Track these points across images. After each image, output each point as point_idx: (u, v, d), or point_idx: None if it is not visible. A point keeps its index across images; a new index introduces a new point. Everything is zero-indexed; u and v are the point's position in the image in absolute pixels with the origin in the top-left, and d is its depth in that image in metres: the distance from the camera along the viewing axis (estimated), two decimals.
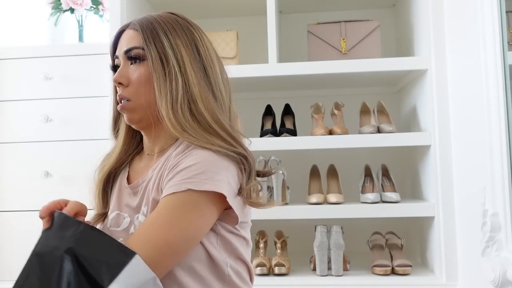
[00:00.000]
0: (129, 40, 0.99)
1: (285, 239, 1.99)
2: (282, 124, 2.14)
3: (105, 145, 1.15)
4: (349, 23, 2.03)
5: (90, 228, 0.83)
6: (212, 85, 0.99)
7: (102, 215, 1.05)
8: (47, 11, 2.28)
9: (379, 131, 1.91)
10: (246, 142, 1.01)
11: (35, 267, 0.79)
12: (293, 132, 2.01)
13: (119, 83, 0.99)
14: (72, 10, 2.22)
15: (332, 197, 1.91)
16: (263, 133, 2.03)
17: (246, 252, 0.99)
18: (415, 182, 2.08)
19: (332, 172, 2.08)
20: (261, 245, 1.95)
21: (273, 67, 1.90)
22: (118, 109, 1.01)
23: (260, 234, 2.01)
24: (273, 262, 1.86)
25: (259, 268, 1.84)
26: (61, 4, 2.20)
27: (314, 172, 2.09)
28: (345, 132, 1.94)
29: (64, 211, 0.88)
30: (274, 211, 1.87)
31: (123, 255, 0.80)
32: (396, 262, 1.83)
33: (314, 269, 1.86)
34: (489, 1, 1.42)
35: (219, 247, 0.93)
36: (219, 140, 0.93)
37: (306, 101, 2.16)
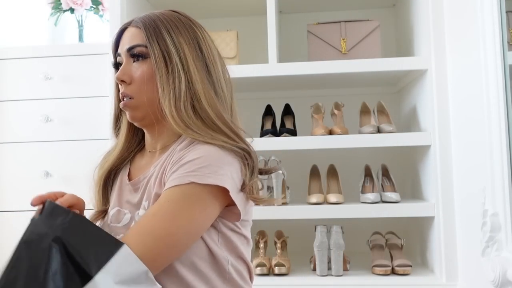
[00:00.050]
0: (131, 38, 0.99)
1: (285, 239, 1.99)
2: (282, 124, 2.14)
3: (105, 145, 1.15)
4: (349, 23, 2.03)
5: (79, 217, 0.83)
6: (214, 83, 0.99)
7: (102, 212, 1.05)
8: (47, 11, 2.28)
9: (379, 131, 1.91)
10: (248, 140, 1.01)
11: (23, 255, 0.78)
12: (293, 132, 2.01)
13: (122, 81, 0.99)
14: (72, 10, 2.22)
15: (332, 197, 1.91)
16: (263, 133, 2.03)
17: (246, 251, 0.99)
18: (415, 182, 2.08)
19: (332, 172, 2.08)
20: (261, 245, 1.95)
21: (273, 67, 1.90)
22: (121, 107, 1.01)
23: (260, 234, 2.01)
24: (273, 262, 1.86)
25: (259, 268, 1.84)
26: (61, 4, 2.20)
27: (314, 172, 2.09)
28: (345, 132, 1.94)
29: (58, 202, 0.88)
30: (274, 211, 1.87)
31: (111, 244, 0.80)
32: (396, 262, 1.83)
33: (314, 269, 1.86)
34: (489, 1, 1.42)
35: (220, 244, 0.93)
36: (223, 136, 0.94)
37: (306, 101, 2.16)
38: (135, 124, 1.03)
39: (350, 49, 2.01)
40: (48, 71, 2.01)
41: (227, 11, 2.30)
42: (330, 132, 1.94)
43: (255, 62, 2.05)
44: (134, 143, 1.09)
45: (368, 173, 2.02)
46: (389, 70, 1.89)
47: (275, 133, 2.03)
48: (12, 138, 2.01)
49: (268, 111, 2.16)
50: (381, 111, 2.03)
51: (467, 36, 1.61)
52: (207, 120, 0.95)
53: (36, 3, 2.37)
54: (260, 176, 1.00)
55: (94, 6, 2.26)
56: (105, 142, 1.74)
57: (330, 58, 1.98)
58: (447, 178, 1.77)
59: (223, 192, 0.88)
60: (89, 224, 0.83)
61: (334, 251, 1.80)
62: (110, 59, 1.07)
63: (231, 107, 1.03)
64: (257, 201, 0.97)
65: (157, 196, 0.92)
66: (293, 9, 2.33)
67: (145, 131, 1.05)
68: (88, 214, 1.01)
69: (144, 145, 1.08)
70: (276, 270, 1.84)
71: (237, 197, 0.91)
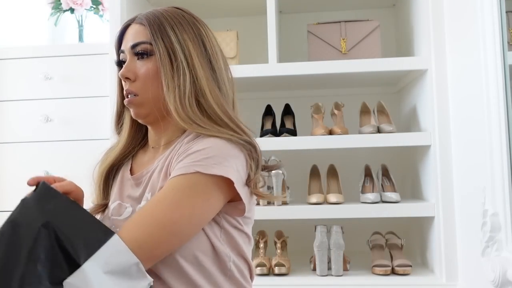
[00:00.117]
0: (135, 35, 0.99)
1: (285, 239, 1.99)
2: (282, 124, 2.14)
3: (105, 145, 1.15)
4: (349, 23, 2.03)
5: (72, 203, 0.82)
6: (218, 79, 1.00)
7: (102, 206, 1.05)
8: (47, 11, 2.28)
9: (379, 131, 1.91)
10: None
11: (6, 234, 0.76)
12: (293, 132, 2.01)
13: (126, 78, 0.99)
14: (72, 10, 2.22)
15: (332, 197, 1.91)
16: (263, 133, 2.03)
17: (248, 249, 1.00)
18: (415, 182, 2.08)
19: (332, 172, 2.08)
20: (261, 245, 1.95)
21: (273, 67, 1.90)
22: (125, 104, 1.01)
23: (260, 234, 2.01)
24: (273, 262, 1.86)
25: (259, 268, 1.84)
26: (61, 4, 2.20)
27: (314, 172, 2.09)
28: (345, 132, 1.94)
29: (54, 186, 0.87)
30: (274, 211, 1.87)
31: (102, 233, 0.79)
32: (396, 262, 1.83)
33: (314, 269, 1.86)
34: (489, 1, 1.42)
35: (223, 240, 0.94)
36: (229, 130, 0.95)
37: (306, 101, 2.16)
38: (139, 121, 1.03)
39: (350, 49, 2.01)
40: (48, 71, 2.01)
41: (227, 11, 2.30)
42: (330, 132, 1.94)
43: (255, 62, 2.05)
44: (137, 139, 1.09)
45: (368, 173, 2.02)
46: (389, 70, 1.89)
47: (275, 133, 2.03)
48: (12, 138, 2.01)
49: (268, 111, 2.16)
50: (381, 111, 2.03)
51: (467, 36, 1.61)
52: (213, 116, 0.95)
53: (36, 3, 2.37)
54: (262, 173, 1.01)
55: (94, 6, 2.25)
56: (105, 142, 1.74)
57: (330, 58, 1.98)
58: (447, 178, 1.77)
59: (228, 184, 0.89)
60: (81, 210, 0.82)
61: (334, 251, 1.80)
62: (113, 57, 1.07)
63: (233, 102, 1.04)
64: (261, 197, 0.98)
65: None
66: (293, 9, 2.33)
67: (148, 127, 1.06)
68: (87, 207, 1.01)
69: (147, 141, 1.09)
70: (276, 270, 1.84)
71: (242, 190, 0.91)
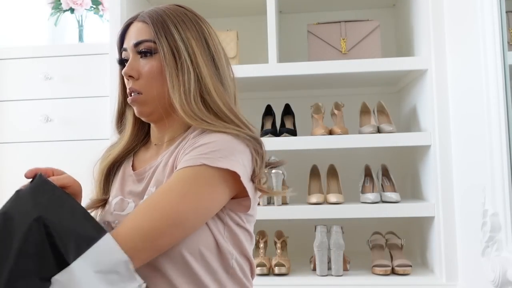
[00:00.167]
0: (138, 33, 0.99)
1: (285, 239, 1.99)
2: (282, 124, 2.14)
3: (105, 144, 1.15)
4: (349, 23, 2.03)
5: (66, 197, 0.81)
6: (221, 76, 1.00)
7: (102, 201, 1.05)
8: (47, 11, 2.28)
9: (379, 131, 1.91)
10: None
11: None
12: (293, 132, 2.01)
13: (130, 76, 0.99)
14: (72, 10, 2.22)
15: (332, 197, 1.91)
16: (263, 133, 2.03)
17: (250, 247, 1.00)
18: (415, 182, 2.08)
19: (332, 172, 2.08)
20: (261, 245, 1.95)
21: (273, 67, 1.90)
22: (129, 102, 1.01)
23: (260, 234, 2.01)
24: (273, 262, 1.86)
25: (259, 268, 1.84)
26: (61, 4, 2.20)
27: (314, 172, 2.09)
28: (345, 132, 1.94)
29: (51, 179, 0.86)
30: (274, 211, 1.87)
31: (95, 231, 0.78)
32: (396, 262, 1.83)
33: (314, 269, 1.86)
34: (489, 1, 1.42)
35: (226, 238, 0.94)
36: (235, 126, 0.95)
37: (306, 101, 2.16)
38: (143, 119, 1.03)
39: (350, 49, 2.01)
40: (48, 71, 2.01)
41: (227, 11, 2.30)
42: (330, 132, 1.94)
43: (255, 62, 2.05)
44: (139, 137, 1.10)
45: (368, 173, 2.02)
46: (389, 70, 1.89)
47: (275, 133, 2.03)
48: (12, 138, 2.01)
49: (268, 111, 2.16)
50: (381, 111, 2.03)
51: (467, 36, 1.61)
52: (219, 113, 0.96)
53: (36, 3, 2.37)
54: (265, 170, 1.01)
55: (94, 6, 2.26)
56: (105, 142, 1.73)
57: (330, 58, 1.98)
58: (447, 178, 1.76)
59: (234, 178, 0.89)
60: (76, 206, 0.81)
61: (334, 251, 1.80)
62: (114, 56, 1.07)
63: (234, 98, 1.05)
64: (265, 192, 0.99)
65: None
66: (293, 9, 2.33)
67: (152, 125, 1.06)
68: (85, 203, 1.02)
69: (149, 138, 1.09)
70: (276, 270, 1.84)
71: (247, 185, 0.92)
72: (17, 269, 0.72)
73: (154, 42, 0.97)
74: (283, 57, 2.16)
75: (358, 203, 1.90)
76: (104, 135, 1.89)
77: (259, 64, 1.93)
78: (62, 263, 0.75)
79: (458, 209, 1.73)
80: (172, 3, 1.05)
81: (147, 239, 0.83)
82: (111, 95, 1.83)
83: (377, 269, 1.81)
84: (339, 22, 2.03)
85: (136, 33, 0.99)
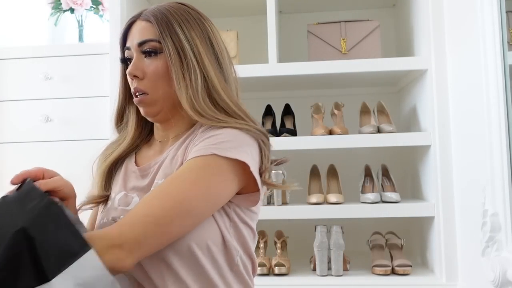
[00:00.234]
0: (142, 32, 0.99)
1: (285, 239, 1.99)
2: (282, 124, 2.14)
3: (105, 145, 1.15)
4: (349, 23, 2.03)
5: (52, 206, 0.77)
6: (225, 74, 1.01)
7: (102, 197, 1.04)
8: (47, 11, 2.28)
9: (379, 131, 1.91)
10: None
11: None
12: (293, 132, 2.01)
13: (134, 76, 0.98)
14: (72, 10, 2.22)
15: (332, 197, 1.91)
16: None
17: (253, 245, 1.00)
18: (415, 182, 2.08)
19: (332, 172, 2.08)
20: (261, 245, 1.95)
21: (273, 67, 1.90)
22: (135, 103, 1.01)
23: (260, 234, 2.01)
24: (273, 262, 1.86)
25: (259, 268, 1.84)
26: (61, 4, 2.20)
27: (314, 172, 2.09)
28: (345, 132, 1.94)
29: (39, 183, 0.84)
30: (274, 211, 1.87)
31: (79, 246, 0.74)
32: (396, 262, 1.83)
33: (314, 269, 1.86)
34: (489, 1, 1.42)
35: (231, 234, 0.94)
36: (244, 121, 0.96)
37: (306, 101, 2.16)
38: (149, 119, 1.03)
39: (350, 49, 2.01)
40: (48, 71, 2.00)
41: (227, 11, 2.30)
42: (330, 132, 1.94)
43: (255, 62, 2.05)
44: (143, 135, 1.09)
45: (368, 173, 2.02)
46: (389, 70, 1.89)
47: (275, 133, 2.03)
48: (12, 138, 2.01)
49: (268, 111, 2.16)
50: (381, 111, 2.03)
51: (467, 36, 1.61)
52: (228, 110, 0.97)
53: (36, 3, 2.37)
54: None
55: (94, 6, 2.25)
56: (105, 142, 1.73)
57: (330, 58, 1.98)
58: (447, 178, 1.76)
59: (243, 169, 0.90)
60: (62, 217, 0.77)
61: (334, 251, 1.80)
62: (115, 55, 1.06)
63: (237, 94, 1.06)
64: (272, 186, 1.00)
65: None
66: (293, 9, 2.33)
67: (158, 123, 1.05)
68: (82, 200, 1.02)
69: (151, 136, 1.09)
70: (276, 270, 1.84)
71: (257, 176, 0.92)
72: None
73: (159, 42, 0.97)
74: (283, 57, 2.16)
75: (358, 203, 1.90)
76: (104, 135, 1.89)
77: (259, 64, 1.93)
78: (42, 278, 0.72)
79: (458, 209, 1.73)
80: (174, 1, 1.04)
81: (158, 225, 0.82)
82: (111, 95, 1.83)
83: (377, 269, 1.81)
84: (339, 22, 2.03)
85: (140, 32, 0.99)
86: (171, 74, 0.96)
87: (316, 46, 2.03)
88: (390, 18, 2.34)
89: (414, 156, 2.07)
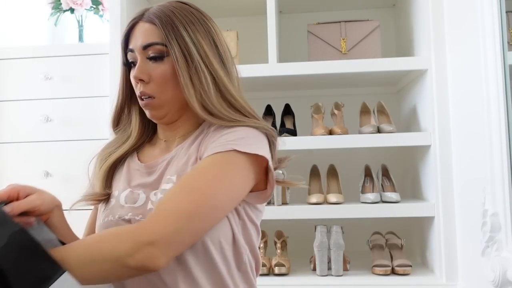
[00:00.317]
0: (146, 34, 0.97)
1: (285, 239, 1.99)
2: (282, 124, 2.14)
3: (102, 145, 1.14)
4: (349, 23, 2.03)
5: (22, 232, 0.74)
6: (229, 74, 1.01)
7: (103, 195, 1.02)
8: (47, 11, 2.27)
9: (379, 131, 1.91)
10: None
11: None
12: (293, 132, 2.01)
13: (140, 80, 0.97)
14: (72, 10, 2.22)
15: (332, 197, 1.91)
16: None
17: (257, 244, 1.00)
18: (415, 182, 2.08)
19: (332, 172, 2.08)
20: (261, 245, 1.95)
21: (273, 67, 1.90)
22: (142, 106, 1.00)
23: None
24: (273, 262, 1.86)
25: None
26: (61, 4, 2.20)
27: (314, 172, 2.09)
28: (345, 132, 1.94)
29: (12, 206, 0.80)
30: (274, 211, 1.87)
31: (51, 270, 0.72)
32: (396, 262, 1.83)
33: (314, 269, 1.86)
34: (489, 1, 1.42)
35: (239, 232, 0.94)
36: (255, 119, 0.98)
37: (306, 101, 2.16)
38: (155, 121, 1.03)
39: (350, 49, 2.01)
40: (48, 71, 2.00)
41: (227, 11, 2.30)
42: (330, 132, 1.94)
43: (255, 62, 2.05)
44: (147, 134, 1.09)
45: (368, 173, 2.02)
46: (389, 70, 1.89)
47: None
48: (12, 138, 2.01)
49: (268, 111, 2.16)
50: (381, 111, 2.03)
51: (467, 36, 1.61)
52: (241, 109, 0.98)
53: (36, 3, 2.37)
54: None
55: (94, 6, 2.25)
56: (105, 142, 1.74)
57: (330, 58, 1.98)
58: (447, 178, 1.76)
59: (260, 165, 0.92)
60: (31, 243, 0.74)
61: (334, 251, 1.80)
62: (115, 55, 1.06)
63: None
64: (280, 182, 1.02)
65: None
66: (293, 9, 2.33)
67: (164, 125, 1.05)
68: (83, 194, 1.02)
69: (153, 135, 1.08)
70: (276, 270, 1.84)
71: (273, 171, 0.94)
72: None
73: (164, 45, 0.95)
74: (283, 57, 2.16)
75: (358, 203, 1.90)
76: (104, 135, 1.89)
77: (259, 64, 1.93)
78: None
79: (458, 209, 1.73)
80: (175, 0, 1.03)
81: (189, 221, 0.81)
82: (111, 95, 1.83)
83: (377, 269, 1.81)
84: (339, 22, 2.03)
85: (144, 35, 0.97)
86: (178, 77, 0.95)
87: (316, 46, 2.03)
88: (390, 18, 2.34)
89: (414, 156, 2.07)
